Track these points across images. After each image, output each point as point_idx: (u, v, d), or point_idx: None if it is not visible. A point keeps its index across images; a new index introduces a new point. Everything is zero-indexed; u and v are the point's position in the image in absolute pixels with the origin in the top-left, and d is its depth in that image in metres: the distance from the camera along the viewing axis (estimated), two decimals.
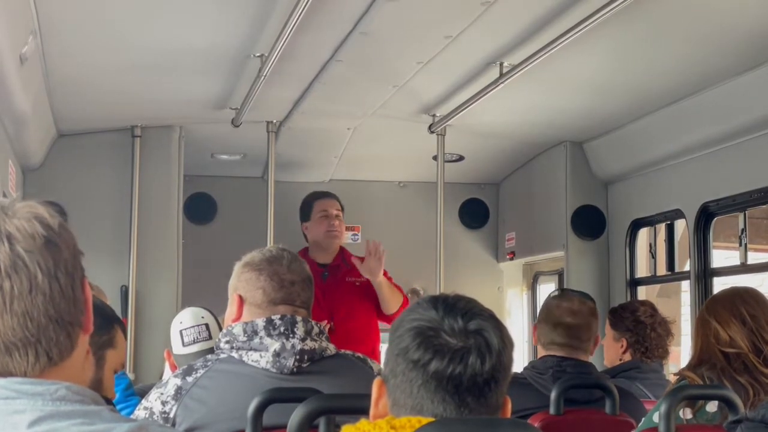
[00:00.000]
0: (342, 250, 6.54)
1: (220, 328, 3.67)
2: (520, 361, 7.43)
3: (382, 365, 1.83)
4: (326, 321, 5.98)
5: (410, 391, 1.75)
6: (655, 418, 3.05)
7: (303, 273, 3.03)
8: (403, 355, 1.77)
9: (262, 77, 4.73)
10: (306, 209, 6.41)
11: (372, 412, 1.82)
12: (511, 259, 7.47)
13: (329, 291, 6.25)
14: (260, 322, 2.90)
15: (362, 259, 6.44)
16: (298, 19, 3.89)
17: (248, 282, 2.99)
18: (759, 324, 3.48)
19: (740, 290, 3.62)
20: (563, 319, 3.95)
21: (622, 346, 4.88)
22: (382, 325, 6.35)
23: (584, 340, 3.97)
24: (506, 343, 1.80)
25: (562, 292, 4.18)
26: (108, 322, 2.96)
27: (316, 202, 6.38)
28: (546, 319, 4.00)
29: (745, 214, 5.27)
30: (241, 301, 2.99)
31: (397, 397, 1.78)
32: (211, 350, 3.35)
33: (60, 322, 1.48)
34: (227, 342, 2.91)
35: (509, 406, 1.83)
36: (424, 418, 1.71)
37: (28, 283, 1.45)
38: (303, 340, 2.89)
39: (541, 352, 4.03)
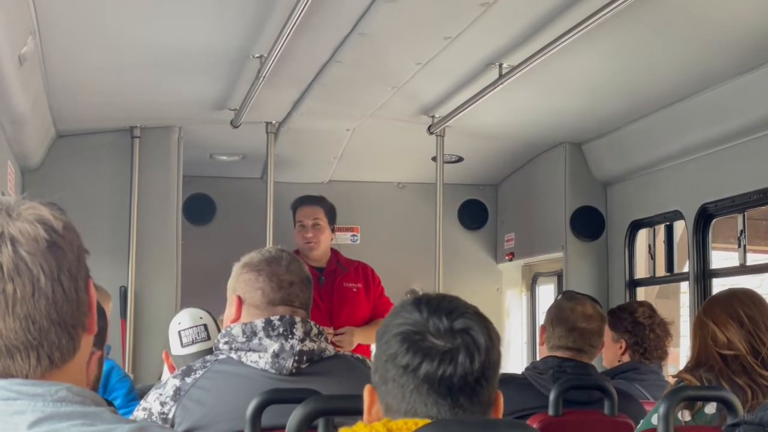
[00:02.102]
0: (335, 253, 6.55)
1: (219, 329, 3.67)
2: (519, 362, 7.43)
3: (371, 371, 1.83)
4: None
5: (402, 396, 1.75)
6: (654, 419, 3.06)
7: (302, 273, 3.04)
8: (392, 361, 1.76)
9: (262, 78, 4.73)
10: (293, 216, 6.46)
11: (365, 418, 1.82)
12: (510, 260, 7.47)
13: (326, 296, 6.28)
14: (259, 323, 2.90)
15: (354, 263, 6.48)
16: (297, 20, 3.89)
17: (247, 283, 3.00)
18: (756, 326, 3.47)
19: (738, 292, 3.62)
20: (578, 324, 3.92)
21: (620, 347, 4.88)
22: None
23: (595, 345, 3.96)
24: (493, 339, 1.79)
25: (573, 294, 4.14)
26: (104, 321, 2.96)
27: (297, 210, 6.45)
28: (559, 323, 3.95)
29: (744, 215, 5.27)
30: (240, 301, 2.99)
31: (389, 402, 1.77)
32: (209, 351, 3.35)
33: (62, 325, 1.47)
34: (226, 343, 2.91)
35: (501, 401, 1.83)
36: (421, 420, 1.71)
37: (30, 286, 1.45)
38: (302, 341, 2.89)
39: (545, 354, 4.02)
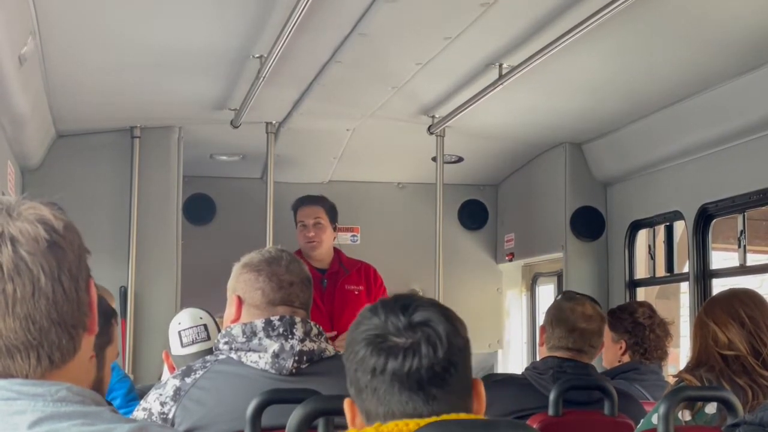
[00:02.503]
0: (337, 253, 6.55)
1: (219, 329, 3.67)
2: (519, 362, 7.43)
3: (347, 384, 1.84)
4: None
5: (378, 400, 1.77)
6: (654, 419, 3.06)
7: (302, 274, 3.04)
8: (360, 367, 1.78)
9: (262, 78, 4.73)
10: (294, 217, 6.47)
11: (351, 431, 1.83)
12: (510, 260, 7.47)
13: (328, 298, 6.28)
14: (259, 323, 2.90)
15: (357, 264, 6.47)
16: (297, 20, 3.89)
17: (247, 283, 3.00)
18: (757, 326, 3.47)
19: (738, 292, 3.62)
20: (578, 324, 3.92)
21: (621, 347, 4.87)
22: None
23: (595, 346, 3.97)
24: (456, 326, 1.81)
25: (572, 295, 4.14)
26: (106, 321, 2.96)
27: (297, 211, 6.46)
28: (559, 323, 3.95)
29: (744, 216, 5.27)
30: (240, 302, 2.99)
31: (368, 409, 1.79)
32: (209, 351, 3.35)
33: (62, 325, 1.47)
34: (226, 343, 2.91)
35: (481, 388, 1.84)
36: (411, 420, 1.72)
37: (30, 286, 1.45)
38: (302, 341, 2.89)
39: (544, 354, 4.02)
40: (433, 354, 1.75)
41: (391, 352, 1.76)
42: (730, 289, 3.71)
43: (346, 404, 1.84)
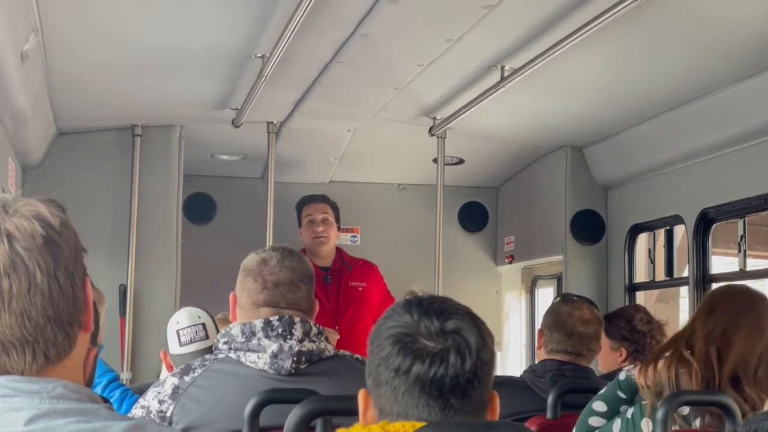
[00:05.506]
0: (339, 251, 6.58)
1: (217, 329, 3.68)
2: (518, 365, 7.43)
3: (366, 375, 1.83)
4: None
5: (395, 399, 1.75)
6: (596, 406, 3.10)
7: (293, 273, 2.97)
8: (384, 363, 1.77)
9: (263, 78, 4.73)
10: (298, 215, 6.50)
11: (361, 422, 1.82)
12: (510, 262, 7.47)
13: (333, 295, 6.31)
14: (258, 324, 2.89)
15: (359, 261, 6.49)
16: (299, 20, 3.89)
17: (240, 283, 3.01)
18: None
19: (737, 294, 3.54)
20: (576, 329, 3.91)
21: (620, 355, 4.79)
22: None
23: (593, 349, 3.97)
24: (485, 339, 1.79)
25: (569, 297, 4.14)
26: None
27: (303, 207, 6.51)
28: (557, 327, 3.95)
29: (744, 221, 5.27)
30: (236, 301, 3.01)
31: (383, 405, 1.78)
32: (208, 350, 3.35)
33: (58, 321, 1.47)
34: (225, 343, 2.91)
35: (497, 402, 1.83)
36: (418, 423, 1.71)
37: (27, 283, 1.45)
38: (300, 341, 2.88)
39: (542, 357, 4.02)
40: (461, 365, 1.74)
41: (419, 355, 1.74)
42: (729, 288, 3.61)
43: (361, 395, 1.83)
